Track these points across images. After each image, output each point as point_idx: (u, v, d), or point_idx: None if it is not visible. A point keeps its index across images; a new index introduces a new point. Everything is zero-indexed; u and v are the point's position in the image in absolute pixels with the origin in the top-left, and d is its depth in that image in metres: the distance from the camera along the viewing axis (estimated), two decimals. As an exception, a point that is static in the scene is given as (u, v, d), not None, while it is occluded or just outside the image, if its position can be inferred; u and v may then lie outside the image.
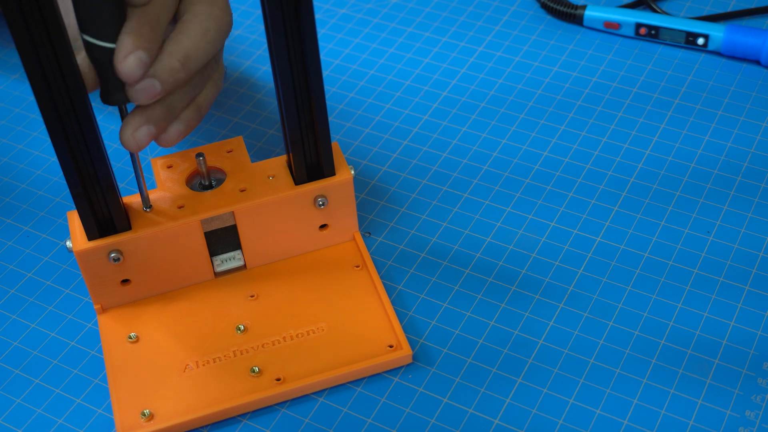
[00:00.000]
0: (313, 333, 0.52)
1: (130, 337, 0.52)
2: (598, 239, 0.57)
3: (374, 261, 0.56)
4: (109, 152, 0.63)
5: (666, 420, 0.48)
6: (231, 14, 0.47)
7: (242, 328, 0.52)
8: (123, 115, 0.48)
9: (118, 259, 0.51)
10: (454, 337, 0.53)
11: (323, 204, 0.54)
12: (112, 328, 0.53)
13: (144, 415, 0.49)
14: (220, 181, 0.54)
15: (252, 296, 0.54)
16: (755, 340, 0.51)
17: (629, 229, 0.57)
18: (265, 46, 0.72)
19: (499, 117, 0.65)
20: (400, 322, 0.53)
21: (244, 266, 0.55)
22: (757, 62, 0.67)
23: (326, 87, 0.68)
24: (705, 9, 0.72)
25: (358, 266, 0.55)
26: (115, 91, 0.46)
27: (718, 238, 0.57)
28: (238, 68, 0.70)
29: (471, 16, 0.73)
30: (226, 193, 0.53)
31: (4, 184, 0.62)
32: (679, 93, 0.66)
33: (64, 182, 0.62)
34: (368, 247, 0.57)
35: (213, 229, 0.53)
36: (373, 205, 0.60)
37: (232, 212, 0.53)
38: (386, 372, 0.51)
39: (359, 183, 0.61)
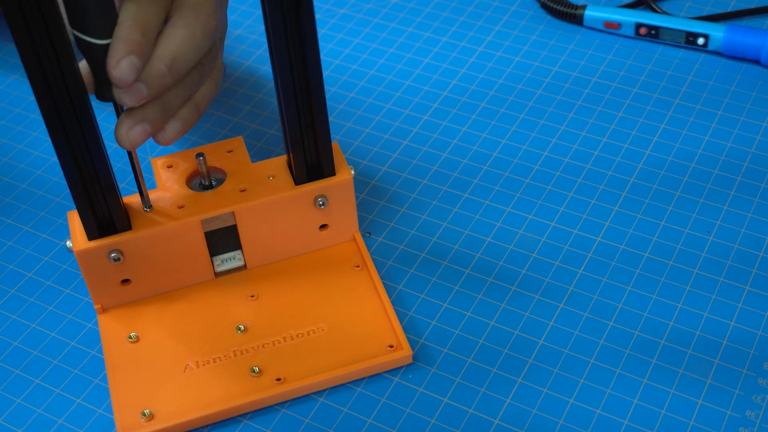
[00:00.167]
0: (313, 333, 0.52)
1: (130, 337, 0.52)
2: (598, 239, 0.57)
3: (374, 261, 0.56)
4: (109, 152, 0.63)
5: (666, 420, 0.48)
6: (217, 18, 0.47)
7: (242, 328, 0.52)
8: (118, 111, 0.48)
9: (119, 259, 0.51)
10: (454, 337, 0.53)
11: (323, 204, 0.54)
12: (112, 328, 0.53)
13: (144, 415, 0.49)
14: (220, 181, 0.54)
15: (252, 296, 0.54)
16: (755, 340, 0.51)
17: (629, 229, 0.57)
18: (265, 46, 0.72)
19: (499, 117, 0.65)
20: (401, 322, 0.53)
21: (245, 266, 0.55)
22: (757, 62, 0.67)
23: (326, 87, 0.68)
24: (705, 9, 0.72)
25: (358, 266, 0.55)
26: (107, 87, 0.46)
27: (718, 237, 0.57)
28: (238, 68, 0.70)
29: (471, 16, 0.73)
30: (226, 193, 0.53)
31: (4, 184, 0.62)
32: (679, 93, 0.66)
33: (65, 182, 0.62)
34: (368, 247, 0.57)
35: (213, 229, 0.53)
36: (373, 205, 0.60)
37: (233, 212, 0.53)
38: (386, 372, 0.51)
39: (359, 183, 0.61)
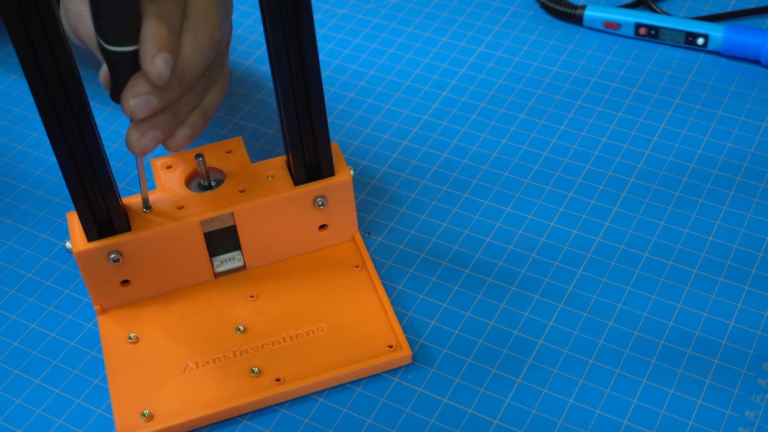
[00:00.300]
0: (313, 333, 0.52)
1: (129, 338, 0.52)
2: (598, 239, 0.57)
3: (374, 261, 0.56)
4: (108, 153, 0.63)
5: (666, 420, 0.48)
6: (222, 29, 0.48)
7: (242, 328, 0.52)
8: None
9: (118, 260, 0.51)
10: (453, 337, 0.53)
11: (323, 204, 0.54)
12: (111, 328, 0.53)
13: (144, 415, 0.49)
14: (219, 182, 0.54)
15: (252, 297, 0.54)
16: (755, 340, 0.51)
17: (629, 229, 0.57)
18: (265, 46, 0.72)
19: (499, 117, 0.65)
20: (400, 322, 0.53)
21: (244, 267, 0.55)
22: (757, 62, 0.67)
23: (326, 87, 0.68)
24: (705, 9, 0.72)
25: (357, 266, 0.55)
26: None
27: (717, 238, 0.57)
28: (238, 68, 0.70)
29: (471, 16, 0.73)
30: (225, 193, 0.53)
31: (5, 185, 0.63)
32: (679, 93, 0.66)
33: (64, 182, 0.62)
34: (368, 247, 0.57)
35: (212, 229, 0.53)
36: (372, 205, 0.60)
37: (232, 213, 0.53)
38: (386, 372, 0.51)
39: (359, 183, 0.61)
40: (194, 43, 0.47)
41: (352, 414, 0.50)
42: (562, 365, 0.51)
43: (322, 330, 0.52)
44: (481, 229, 0.58)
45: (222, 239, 0.54)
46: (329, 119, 0.65)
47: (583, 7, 0.70)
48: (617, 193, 0.59)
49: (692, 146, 0.62)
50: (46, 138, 0.65)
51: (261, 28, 0.73)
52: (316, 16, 0.73)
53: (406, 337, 0.52)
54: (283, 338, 0.52)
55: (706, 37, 0.67)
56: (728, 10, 0.72)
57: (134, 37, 0.44)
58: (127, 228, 0.51)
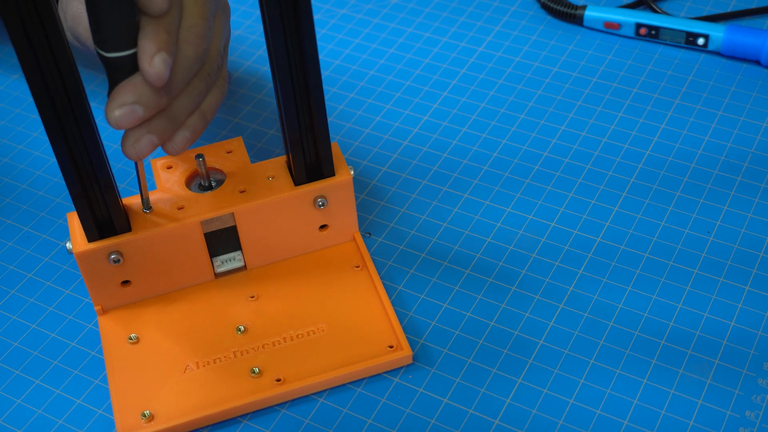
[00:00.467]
0: (313, 333, 0.52)
1: (130, 338, 0.52)
2: (599, 239, 0.57)
3: (374, 261, 0.56)
4: (108, 153, 0.63)
5: (666, 420, 0.48)
6: (207, 40, 0.48)
7: (242, 328, 0.52)
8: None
9: (118, 261, 0.51)
10: (454, 338, 0.53)
11: (323, 204, 0.54)
12: (112, 329, 0.53)
13: (144, 415, 0.49)
14: (219, 182, 0.54)
15: (252, 297, 0.54)
16: (755, 340, 0.51)
17: (629, 229, 0.57)
18: (265, 46, 0.72)
19: (500, 117, 0.65)
20: (401, 322, 0.53)
21: (244, 267, 0.55)
22: (757, 62, 0.67)
23: (326, 87, 0.68)
24: (705, 9, 0.72)
25: (358, 266, 0.55)
26: None
27: (718, 238, 0.57)
28: (238, 69, 0.70)
29: (471, 17, 0.73)
30: (225, 194, 0.53)
31: (5, 185, 0.63)
32: (679, 93, 0.66)
33: (64, 183, 0.62)
34: (368, 248, 0.57)
35: (213, 230, 0.53)
36: (373, 205, 0.60)
37: (232, 213, 0.53)
38: (386, 372, 0.51)
39: (359, 183, 0.61)
40: (181, 53, 0.47)
41: (353, 414, 0.50)
42: (563, 365, 0.51)
43: (323, 330, 0.52)
44: (481, 229, 0.58)
45: (222, 239, 0.54)
46: (329, 119, 0.65)
47: (584, 8, 0.70)
48: (618, 193, 0.59)
49: (693, 146, 0.62)
50: (46, 138, 0.65)
51: (261, 28, 0.73)
52: (317, 17, 0.73)
53: (407, 338, 0.52)
54: (284, 338, 0.52)
55: (706, 37, 0.67)
56: (728, 10, 0.72)
57: (131, 41, 0.44)
58: (127, 228, 0.51)
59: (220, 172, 0.55)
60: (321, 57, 0.70)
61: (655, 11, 0.71)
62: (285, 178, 0.54)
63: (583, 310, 0.53)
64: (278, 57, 0.48)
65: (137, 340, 0.52)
